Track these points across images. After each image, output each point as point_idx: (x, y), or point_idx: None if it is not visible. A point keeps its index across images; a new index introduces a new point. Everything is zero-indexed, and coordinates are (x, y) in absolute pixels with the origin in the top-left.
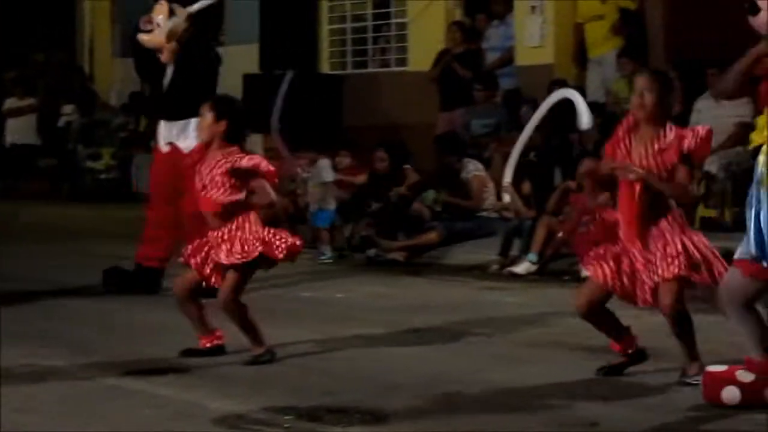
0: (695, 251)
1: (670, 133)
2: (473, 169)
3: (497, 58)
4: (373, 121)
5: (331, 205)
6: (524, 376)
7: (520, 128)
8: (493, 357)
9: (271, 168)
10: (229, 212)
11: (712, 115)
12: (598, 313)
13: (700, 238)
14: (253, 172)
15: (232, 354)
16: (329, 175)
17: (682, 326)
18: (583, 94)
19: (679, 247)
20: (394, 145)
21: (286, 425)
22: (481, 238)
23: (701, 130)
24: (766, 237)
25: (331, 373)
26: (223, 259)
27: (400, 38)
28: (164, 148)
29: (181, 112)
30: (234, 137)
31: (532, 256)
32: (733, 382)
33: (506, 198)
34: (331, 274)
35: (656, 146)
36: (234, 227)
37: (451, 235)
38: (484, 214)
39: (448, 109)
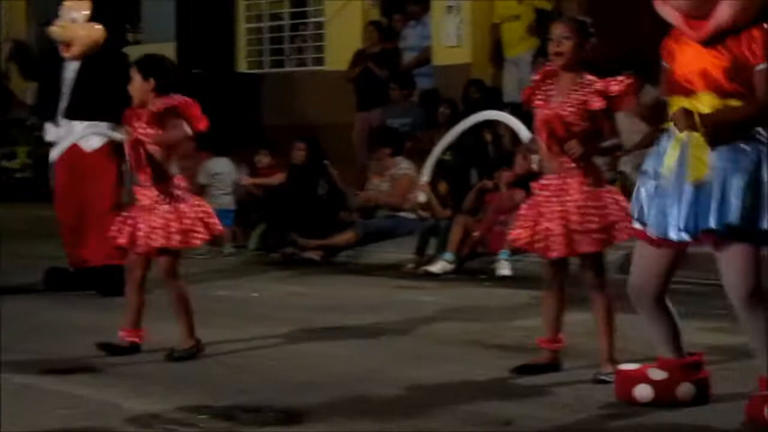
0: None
1: (590, 80)
2: (406, 167)
3: (414, 58)
4: (290, 120)
5: (216, 205)
6: (438, 375)
7: (438, 127)
8: (408, 355)
9: (193, 106)
10: (159, 175)
11: (626, 115)
12: (559, 289)
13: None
14: (176, 111)
15: (149, 353)
16: (216, 177)
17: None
18: (500, 94)
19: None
20: (314, 139)
21: (200, 424)
22: (399, 237)
23: (626, 78)
24: (646, 207)
25: (246, 371)
26: (162, 241)
27: (318, 37)
28: (57, 151)
29: (87, 111)
30: (166, 91)
31: (449, 255)
32: (646, 380)
33: (421, 197)
34: (247, 273)
35: (576, 94)
36: (168, 201)
37: (369, 235)
38: (402, 213)
39: (365, 108)
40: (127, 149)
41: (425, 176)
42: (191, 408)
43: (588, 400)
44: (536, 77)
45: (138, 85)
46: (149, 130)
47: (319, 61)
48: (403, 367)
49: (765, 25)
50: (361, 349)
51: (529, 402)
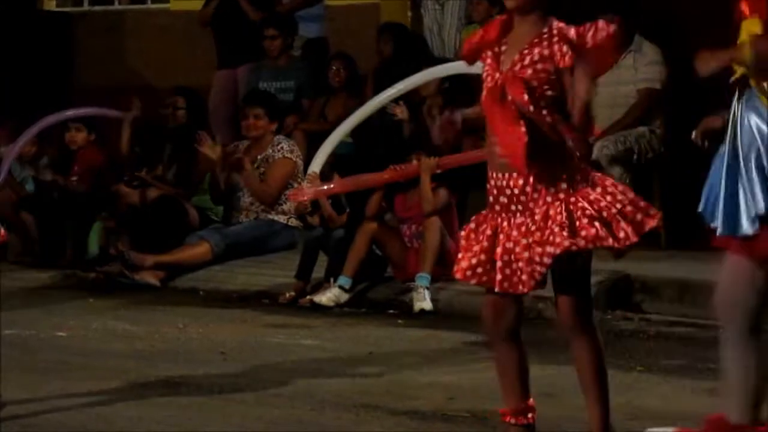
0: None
1: (556, 30)
2: (286, 149)
3: None
4: (117, 79)
5: None
6: None
7: (330, 94)
8: (277, 424)
9: None
10: None
11: (605, 81)
12: (511, 340)
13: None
14: None
15: None
16: None
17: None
18: (425, 44)
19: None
20: (193, 92)
21: None
22: (273, 252)
23: (603, 24)
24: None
25: None
26: None
27: None
28: None
29: None
30: None
31: (344, 280)
32: None
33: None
34: (51, 301)
35: (536, 50)
36: None
37: (230, 248)
38: (278, 217)
39: (227, 65)
40: None
41: (315, 165)
42: None
43: None
44: (485, 33)
45: None
46: None
47: None
48: None
49: None
50: (207, 414)
51: None
